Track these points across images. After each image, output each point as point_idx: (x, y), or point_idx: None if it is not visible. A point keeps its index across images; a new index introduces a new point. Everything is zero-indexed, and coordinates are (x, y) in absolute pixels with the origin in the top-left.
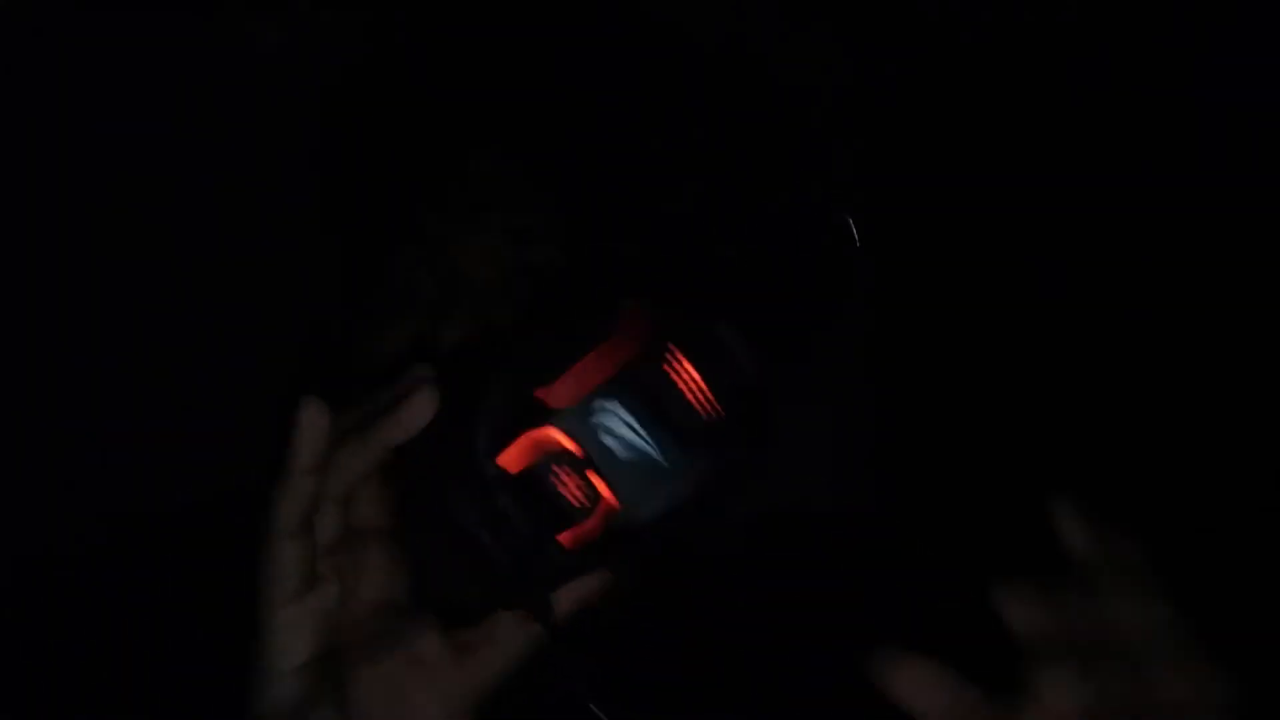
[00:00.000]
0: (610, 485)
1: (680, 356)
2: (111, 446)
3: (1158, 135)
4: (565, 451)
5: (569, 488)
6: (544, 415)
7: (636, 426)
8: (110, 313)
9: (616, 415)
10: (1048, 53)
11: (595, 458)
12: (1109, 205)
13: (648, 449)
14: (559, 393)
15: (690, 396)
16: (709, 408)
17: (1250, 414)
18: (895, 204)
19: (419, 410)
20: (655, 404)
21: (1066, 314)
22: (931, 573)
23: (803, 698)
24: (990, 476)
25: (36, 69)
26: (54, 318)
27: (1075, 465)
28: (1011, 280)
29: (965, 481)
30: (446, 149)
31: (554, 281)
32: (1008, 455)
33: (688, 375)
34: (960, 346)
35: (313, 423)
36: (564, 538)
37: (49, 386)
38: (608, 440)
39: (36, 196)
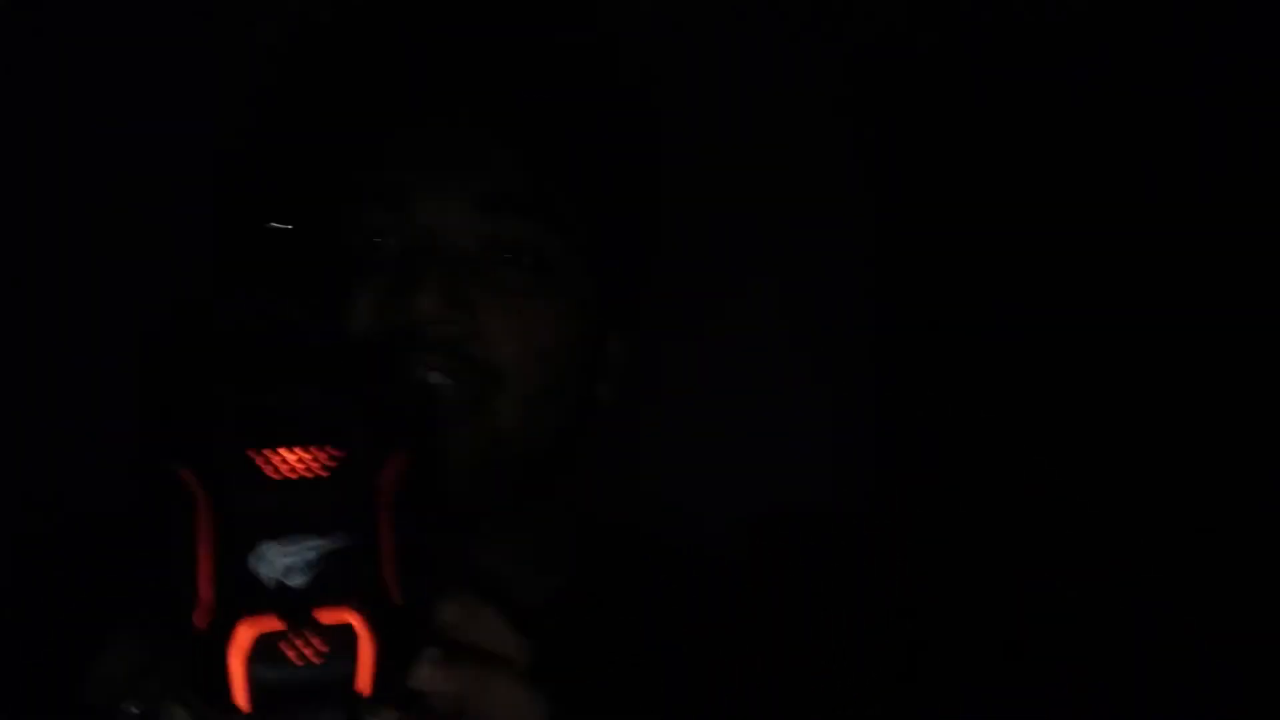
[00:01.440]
0: (338, 604)
1: (267, 455)
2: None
3: (1158, 134)
4: (260, 636)
5: (308, 655)
6: (218, 632)
7: (293, 543)
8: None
9: (275, 553)
10: (1048, 52)
11: (295, 605)
12: (1110, 205)
13: (326, 545)
14: (200, 609)
15: (305, 470)
16: (326, 464)
17: (1250, 414)
18: (896, 205)
19: None
20: (286, 513)
21: (1067, 314)
22: (923, 573)
23: (802, 697)
24: (991, 477)
25: (37, 68)
26: (58, 318)
27: (1076, 465)
28: (1012, 280)
29: (964, 482)
30: (412, 102)
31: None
32: (1008, 456)
33: (289, 459)
34: (961, 347)
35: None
36: (360, 686)
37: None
38: (293, 579)
39: (34, 194)
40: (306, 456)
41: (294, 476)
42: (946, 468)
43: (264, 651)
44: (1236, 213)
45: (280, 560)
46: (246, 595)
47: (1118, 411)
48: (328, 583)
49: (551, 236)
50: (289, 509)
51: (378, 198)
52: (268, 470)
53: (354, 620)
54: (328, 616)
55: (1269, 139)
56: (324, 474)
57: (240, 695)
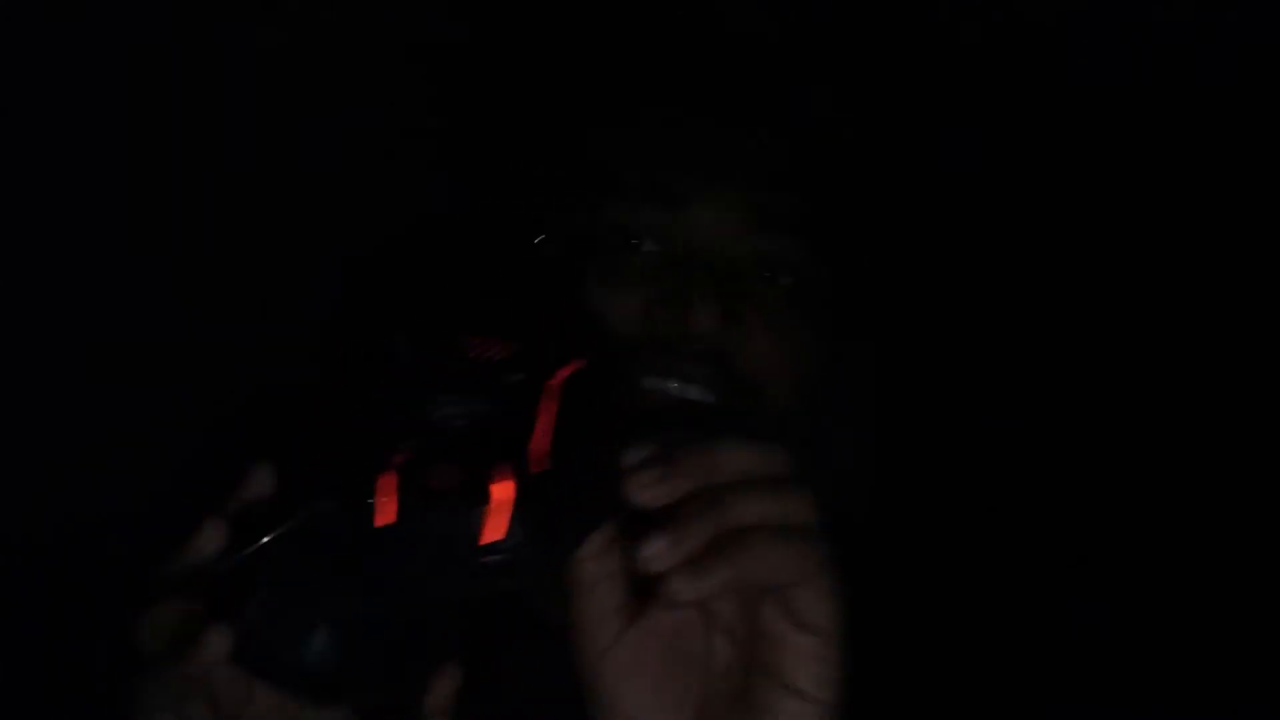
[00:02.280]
0: (487, 454)
1: (466, 336)
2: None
3: (1158, 133)
4: (420, 459)
5: (445, 482)
6: (388, 451)
7: (471, 399)
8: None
9: (450, 405)
10: (1049, 51)
11: (456, 444)
12: (1110, 205)
13: (496, 405)
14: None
15: (491, 353)
16: (509, 353)
17: (1250, 415)
18: (898, 208)
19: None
20: (473, 377)
21: (1067, 314)
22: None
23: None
24: (991, 477)
25: (36, 67)
26: (62, 320)
27: (1075, 466)
28: (1013, 282)
29: (966, 483)
30: (700, 102)
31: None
32: (1008, 457)
33: (481, 344)
34: (961, 347)
35: (209, 542)
36: (488, 533)
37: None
38: (458, 424)
39: (38, 195)
40: (493, 344)
41: (478, 355)
42: (949, 470)
43: (411, 472)
44: (1236, 214)
45: (447, 410)
46: (416, 431)
47: (1120, 413)
48: (485, 437)
49: (812, 257)
50: (466, 376)
51: (648, 197)
52: (461, 347)
53: (498, 477)
54: (475, 462)
55: (1269, 139)
56: (502, 359)
57: (387, 505)
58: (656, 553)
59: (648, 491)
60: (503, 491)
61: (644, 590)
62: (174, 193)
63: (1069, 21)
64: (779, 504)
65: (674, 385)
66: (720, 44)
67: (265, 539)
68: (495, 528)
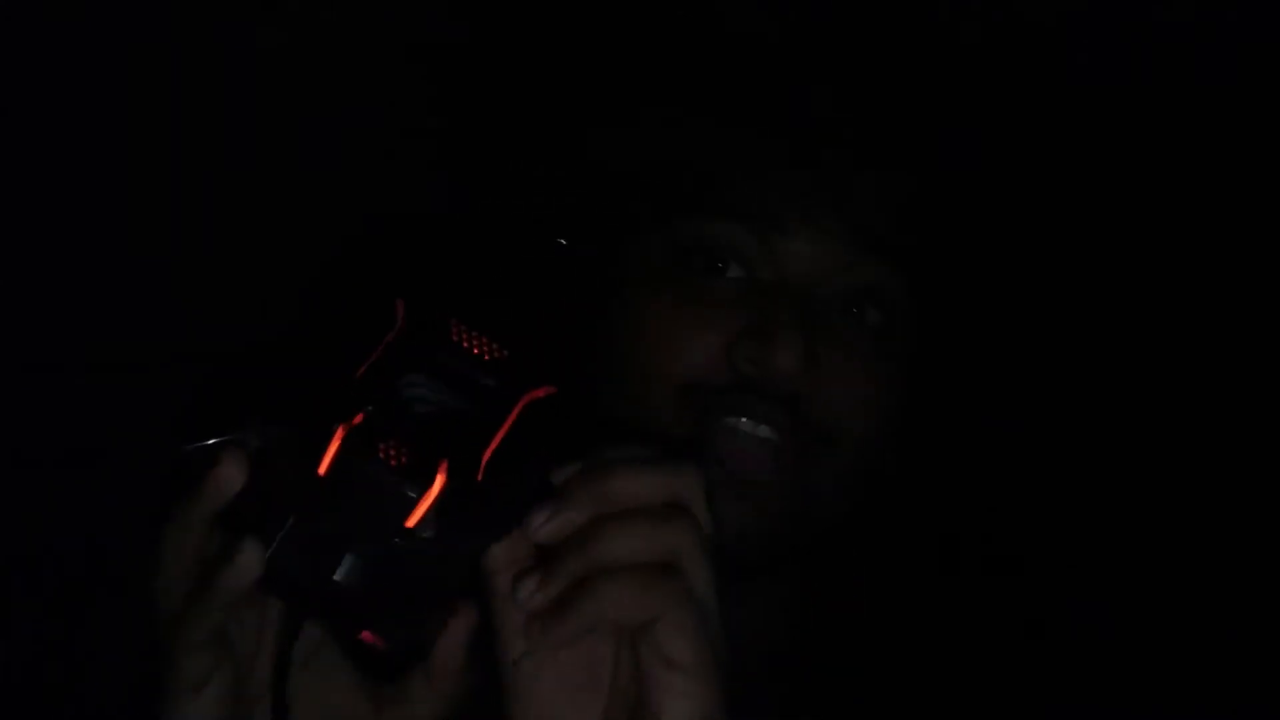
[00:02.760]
0: (435, 445)
1: (461, 326)
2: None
3: (1158, 133)
4: (375, 425)
5: (390, 456)
6: (353, 407)
7: (442, 388)
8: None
9: (422, 386)
10: (1049, 51)
11: (413, 425)
12: (1112, 207)
13: (461, 403)
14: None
15: (478, 350)
16: (497, 353)
17: (1250, 416)
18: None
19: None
20: (453, 368)
21: (1067, 315)
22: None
23: (799, 698)
24: (993, 477)
25: (36, 67)
26: (58, 319)
27: (1076, 467)
28: (1012, 282)
29: (968, 482)
30: (804, 124)
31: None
32: (1010, 457)
33: (472, 337)
34: (961, 347)
35: (230, 475)
36: (412, 518)
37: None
38: (420, 408)
39: (36, 195)
40: (482, 342)
41: (465, 348)
42: (955, 470)
43: (362, 435)
44: (1236, 214)
45: (417, 390)
46: (381, 398)
47: (1121, 413)
48: (440, 429)
49: (903, 290)
50: (447, 364)
51: (742, 218)
52: (453, 335)
53: (440, 467)
54: (423, 449)
55: (1269, 139)
56: (485, 360)
57: (326, 457)
58: (524, 596)
59: (539, 531)
60: (435, 486)
61: None
62: (174, 192)
63: (1069, 21)
64: (652, 538)
65: (745, 423)
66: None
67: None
68: (416, 516)
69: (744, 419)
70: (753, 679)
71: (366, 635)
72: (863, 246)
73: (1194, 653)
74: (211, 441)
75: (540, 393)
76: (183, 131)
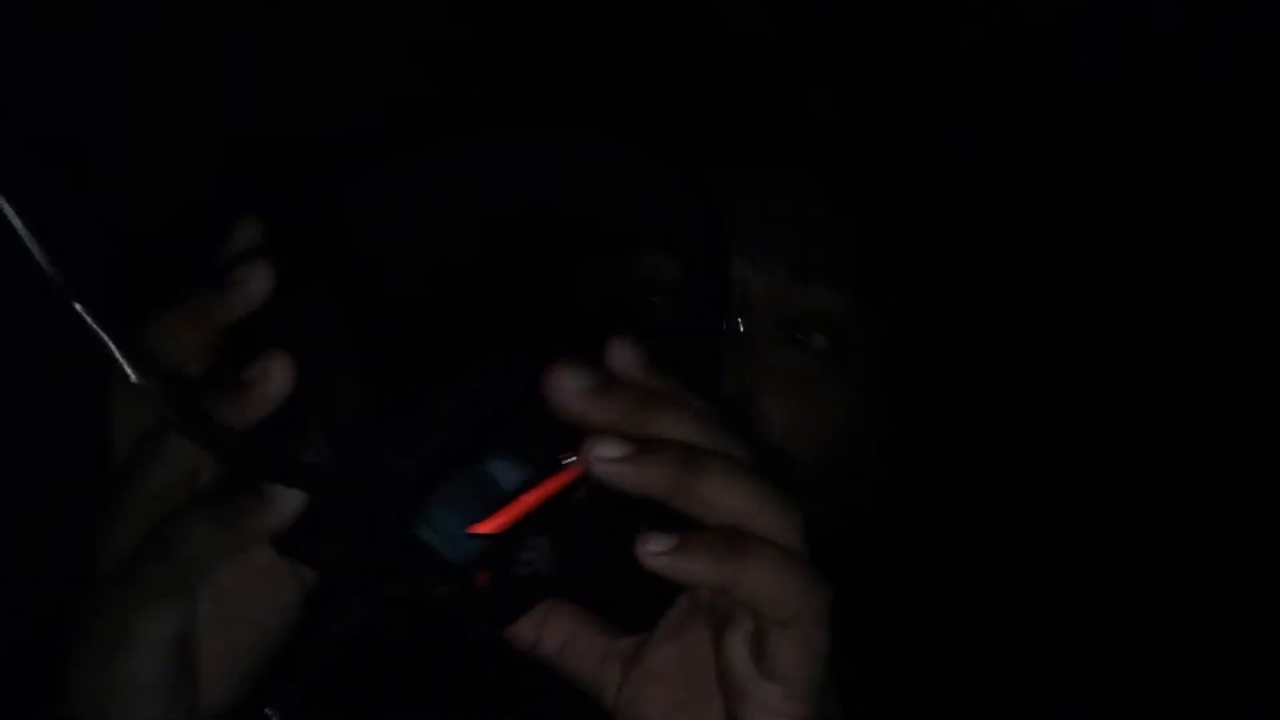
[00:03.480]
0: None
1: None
2: None
3: (1157, 131)
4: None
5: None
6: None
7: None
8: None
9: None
10: (1048, 50)
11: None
12: (1110, 204)
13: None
14: None
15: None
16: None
17: (1249, 415)
18: (899, 209)
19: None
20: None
21: (1066, 314)
22: (927, 574)
23: None
24: (990, 477)
25: (35, 68)
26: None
27: (1073, 466)
28: (1012, 280)
29: (965, 482)
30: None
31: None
32: (1007, 456)
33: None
34: (960, 346)
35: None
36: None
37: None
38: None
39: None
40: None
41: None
42: (954, 470)
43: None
44: (1236, 215)
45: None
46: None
47: (1124, 413)
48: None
49: (853, 315)
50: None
51: (672, 250)
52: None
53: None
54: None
55: (1269, 139)
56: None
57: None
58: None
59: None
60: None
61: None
62: (174, 191)
63: (1069, 21)
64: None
65: None
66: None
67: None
68: (498, 517)
69: None
70: None
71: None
72: (800, 274)
73: (1194, 652)
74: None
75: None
76: (182, 130)
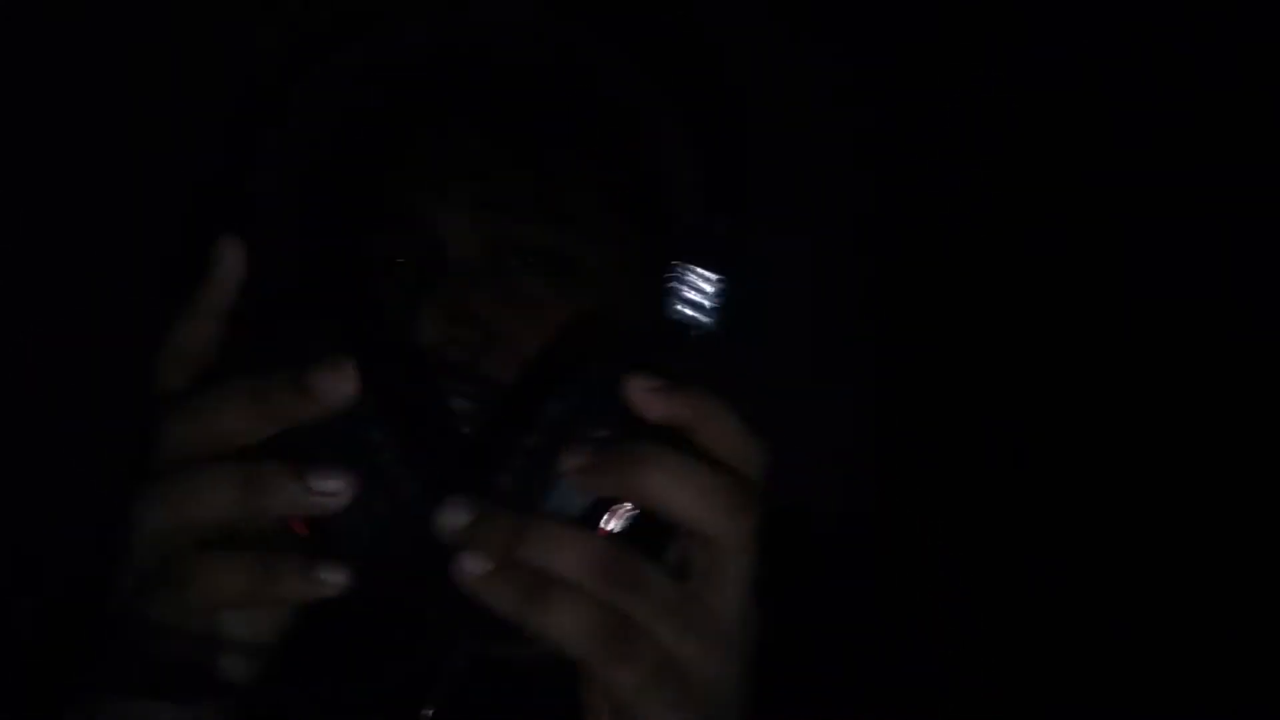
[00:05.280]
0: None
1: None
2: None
3: (1156, 133)
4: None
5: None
6: None
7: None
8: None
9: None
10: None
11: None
12: (1109, 204)
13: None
14: None
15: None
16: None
17: (1247, 414)
18: (896, 207)
19: (336, 384)
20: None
21: (1065, 313)
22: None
23: (802, 698)
24: (993, 476)
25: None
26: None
27: (1079, 464)
28: (1010, 280)
29: (968, 481)
30: (403, 118)
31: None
32: (1004, 454)
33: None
34: (959, 345)
35: (232, 265)
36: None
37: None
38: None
39: (31, 193)
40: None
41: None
42: (949, 467)
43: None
44: (1236, 214)
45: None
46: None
47: (1120, 410)
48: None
49: (569, 238)
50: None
51: (390, 218)
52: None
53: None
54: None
55: (1269, 139)
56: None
57: None
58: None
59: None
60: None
61: None
62: (174, 191)
63: (1068, 21)
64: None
65: (439, 401)
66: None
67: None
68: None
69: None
70: None
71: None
72: (482, 210)
73: (1193, 652)
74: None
75: None
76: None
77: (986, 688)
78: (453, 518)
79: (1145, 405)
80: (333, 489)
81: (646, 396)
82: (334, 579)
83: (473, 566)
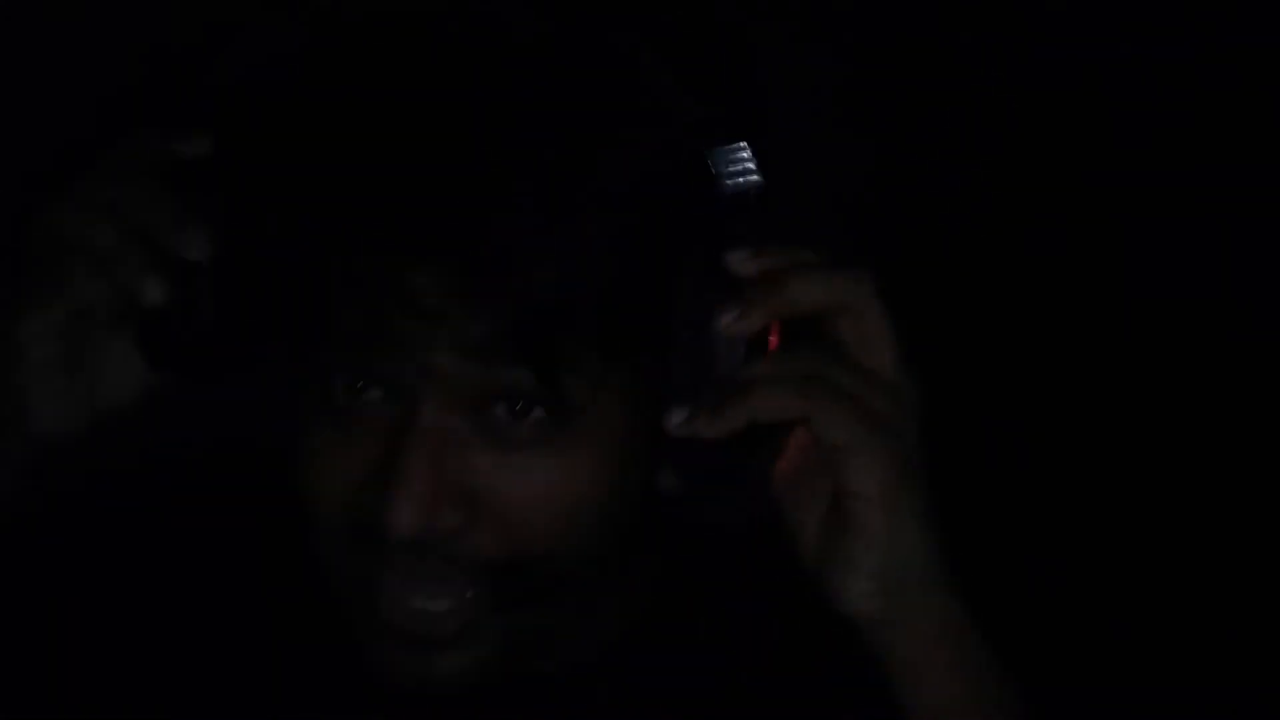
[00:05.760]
0: None
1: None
2: None
3: (1155, 132)
4: None
5: None
6: None
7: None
8: None
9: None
10: (1046, 49)
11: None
12: (1108, 203)
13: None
14: None
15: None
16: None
17: (1246, 412)
18: (896, 205)
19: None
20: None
21: (1064, 312)
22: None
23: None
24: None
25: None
26: None
27: (1068, 463)
28: (1010, 278)
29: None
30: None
31: None
32: (1004, 453)
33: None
34: (958, 344)
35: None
36: None
37: None
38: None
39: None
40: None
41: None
42: (948, 467)
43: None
44: (1235, 212)
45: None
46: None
47: (1118, 408)
48: None
49: (561, 376)
50: None
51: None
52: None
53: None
54: None
55: (1268, 139)
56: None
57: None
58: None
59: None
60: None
61: None
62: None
63: (1068, 21)
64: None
65: (416, 597)
66: None
67: None
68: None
69: (414, 591)
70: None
71: None
72: (483, 352)
73: (1193, 652)
74: None
75: None
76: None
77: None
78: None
79: (1145, 405)
80: None
81: (745, 260)
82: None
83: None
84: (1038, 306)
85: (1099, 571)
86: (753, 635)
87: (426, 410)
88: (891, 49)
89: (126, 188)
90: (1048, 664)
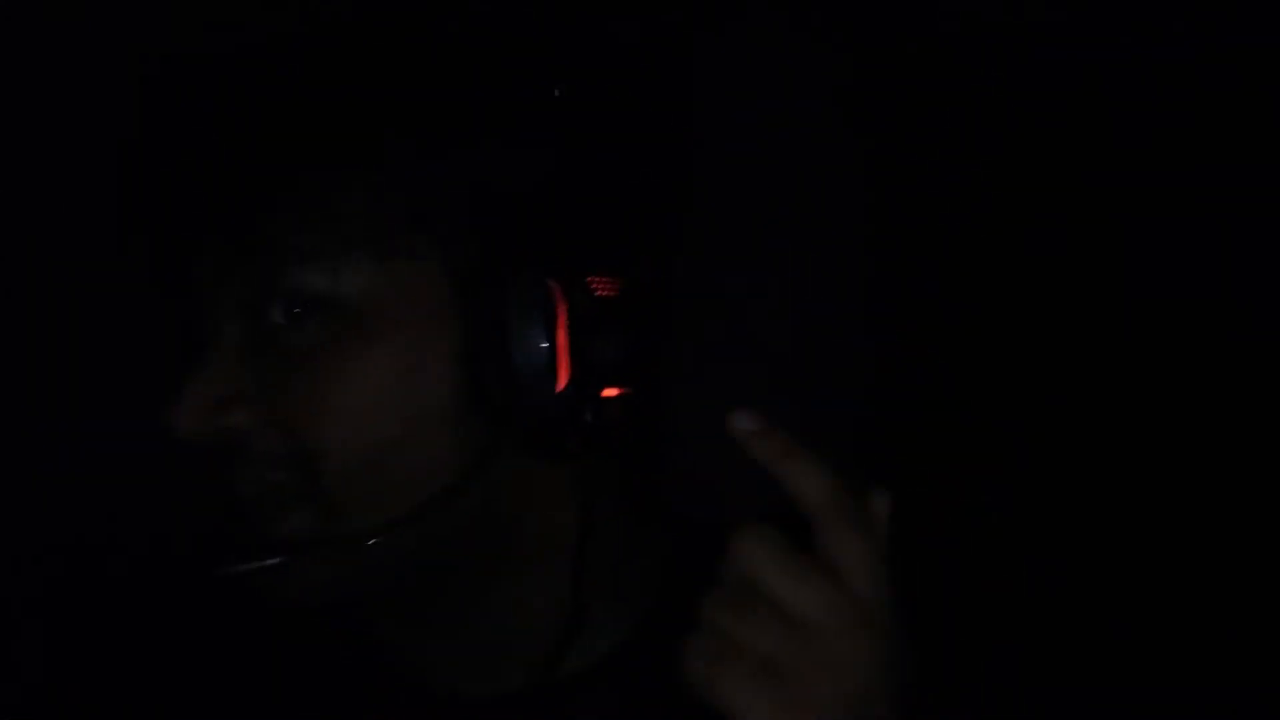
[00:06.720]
0: None
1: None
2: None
3: (1155, 132)
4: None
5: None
6: None
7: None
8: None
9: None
10: (1046, 49)
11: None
12: (1107, 202)
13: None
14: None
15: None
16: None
17: (1246, 412)
18: (896, 205)
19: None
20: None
21: (1064, 312)
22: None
23: None
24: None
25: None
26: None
27: (1068, 462)
28: (1010, 278)
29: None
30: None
31: None
32: (1003, 452)
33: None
34: (958, 344)
35: None
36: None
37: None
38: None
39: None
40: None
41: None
42: (948, 467)
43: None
44: (1234, 211)
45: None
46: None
47: (1117, 407)
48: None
49: (342, 273)
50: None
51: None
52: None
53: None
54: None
55: (1268, 139)
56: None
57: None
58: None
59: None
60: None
61: None
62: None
63: (1068, 21)
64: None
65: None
66: None
67: None
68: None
69: (233, 481)
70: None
71: None
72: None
73: (1193, 651)
74: None
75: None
76: None
77: (986, 687)
78: (741, 422)
79: (1145, 405)
80: None
81: (749, 436)
82: None
83: (746, 422)
84: (1037, 306)
85: (1099, 571)
86: None
87: (211, 322)
88: (891, 49)
89: None
90: (1048, 664)
